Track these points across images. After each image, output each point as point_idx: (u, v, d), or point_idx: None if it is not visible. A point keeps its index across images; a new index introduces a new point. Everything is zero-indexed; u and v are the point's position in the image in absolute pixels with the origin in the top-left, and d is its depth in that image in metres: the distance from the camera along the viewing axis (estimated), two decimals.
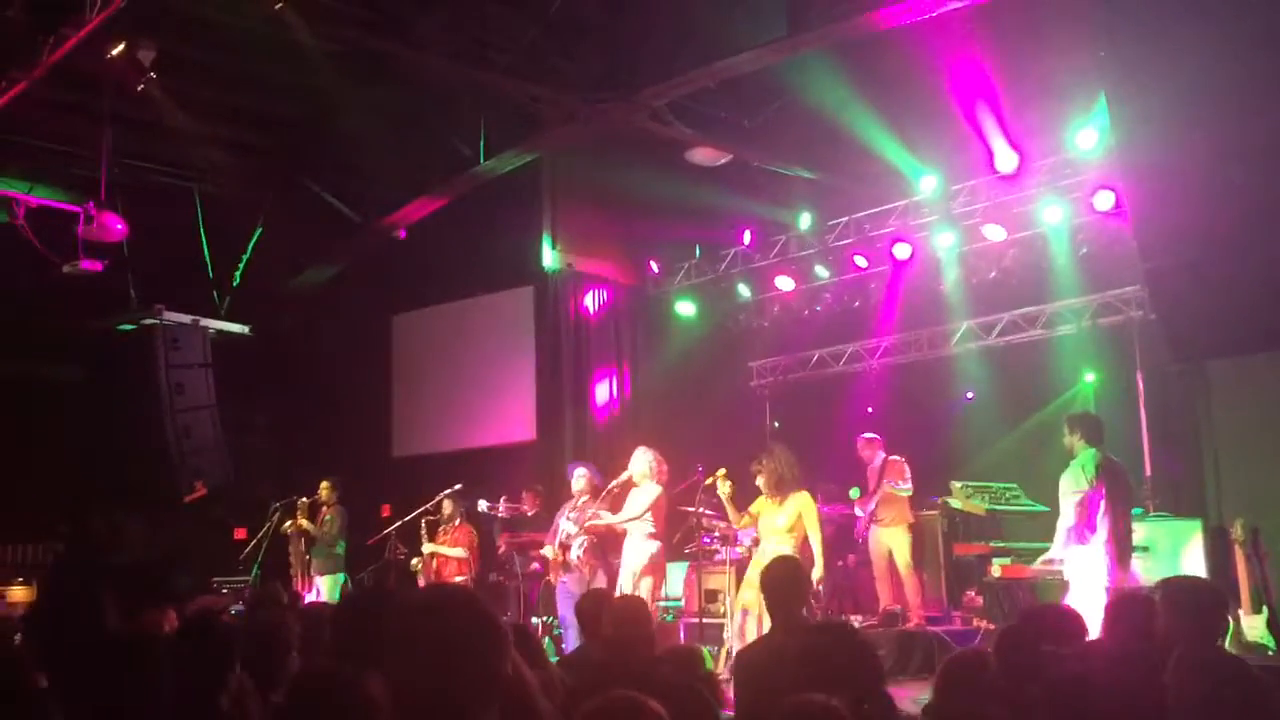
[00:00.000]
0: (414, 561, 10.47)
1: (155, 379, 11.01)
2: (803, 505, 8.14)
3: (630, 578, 8.50)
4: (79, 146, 10.75)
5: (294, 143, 11.88)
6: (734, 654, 7.77)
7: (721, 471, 8.76)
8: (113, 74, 8.92)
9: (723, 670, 7.44)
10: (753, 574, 8.15)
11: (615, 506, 8.94)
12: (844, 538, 10.51)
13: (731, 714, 4.41)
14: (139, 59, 8.67)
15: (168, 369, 11.02)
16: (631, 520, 8.64)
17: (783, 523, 8.10)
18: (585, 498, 9.24)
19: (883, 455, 10.24)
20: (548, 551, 9.36)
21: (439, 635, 2.26)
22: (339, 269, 13.15)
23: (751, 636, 7.72)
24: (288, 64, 10.09)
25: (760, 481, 8.34)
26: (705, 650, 4.82)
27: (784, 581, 4.93)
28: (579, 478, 9.36)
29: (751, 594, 8.02)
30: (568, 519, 9.21)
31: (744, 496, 8.72)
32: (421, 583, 10.38)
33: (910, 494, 10.12)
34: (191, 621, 4.08)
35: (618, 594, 8.41)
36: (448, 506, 10.45)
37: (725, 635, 8.75)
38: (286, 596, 8.56)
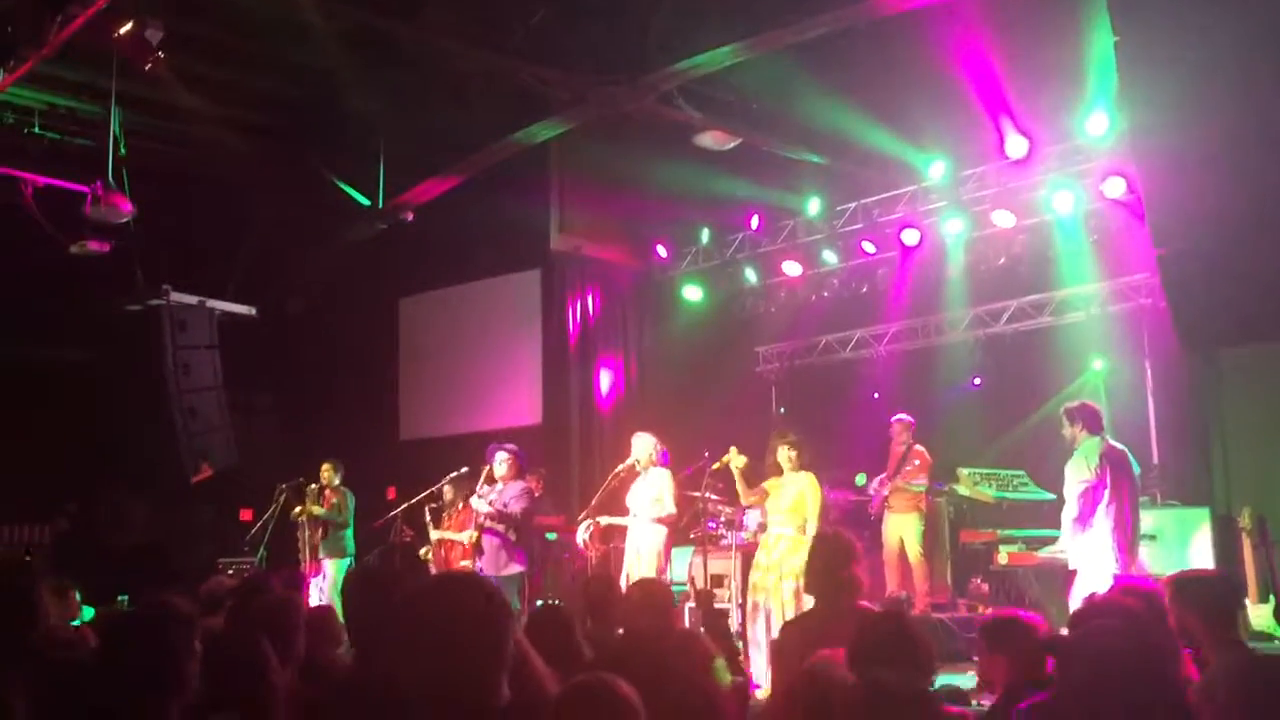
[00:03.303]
0: (424, 550, 10.37)
1: (161, 360, 11.01)
2: (805, 486, 8.09)
3: (636, 560, 8.47)
4: (86, 126, 10.73)
5: (302, 124, 11.84)
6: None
7: (733, 450, 8.73)
8: (121, 53, 8.88)
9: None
10: (761, 558, 8.11)
11: (621, 491, 8.91)
12: (850, 523, 10.48)
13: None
14: (147, 38, 8.61)
15: (174, 350, 11.01)
16: (666, 514, 8.58)
17: (786, 503, 8.05)
18: (503, 482, 9.13)
19: (909, 443, 10.21)
20: (464, 536, 9.24)
21: (447, 616, 2.32)
22: (346, 251, 13.12)
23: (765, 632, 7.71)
24: (296, 44, 10.06)
25: (785, 456, 8.22)
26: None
27: (829, 560, 4.92)
28: (501, 462, 9.12)
29: (764, 587, 7.98)
30: (479, 497, 9.05)
31: (756, 477, 8.68)
32: (434, 570, 10.34)
33: (924, 489, 10.11)
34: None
35: (624, 578, 8.43)
36: (449, 492, 10.37)
37: (730, 620, 8.73)
38: (282, 579, 8.50)
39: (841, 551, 4.92)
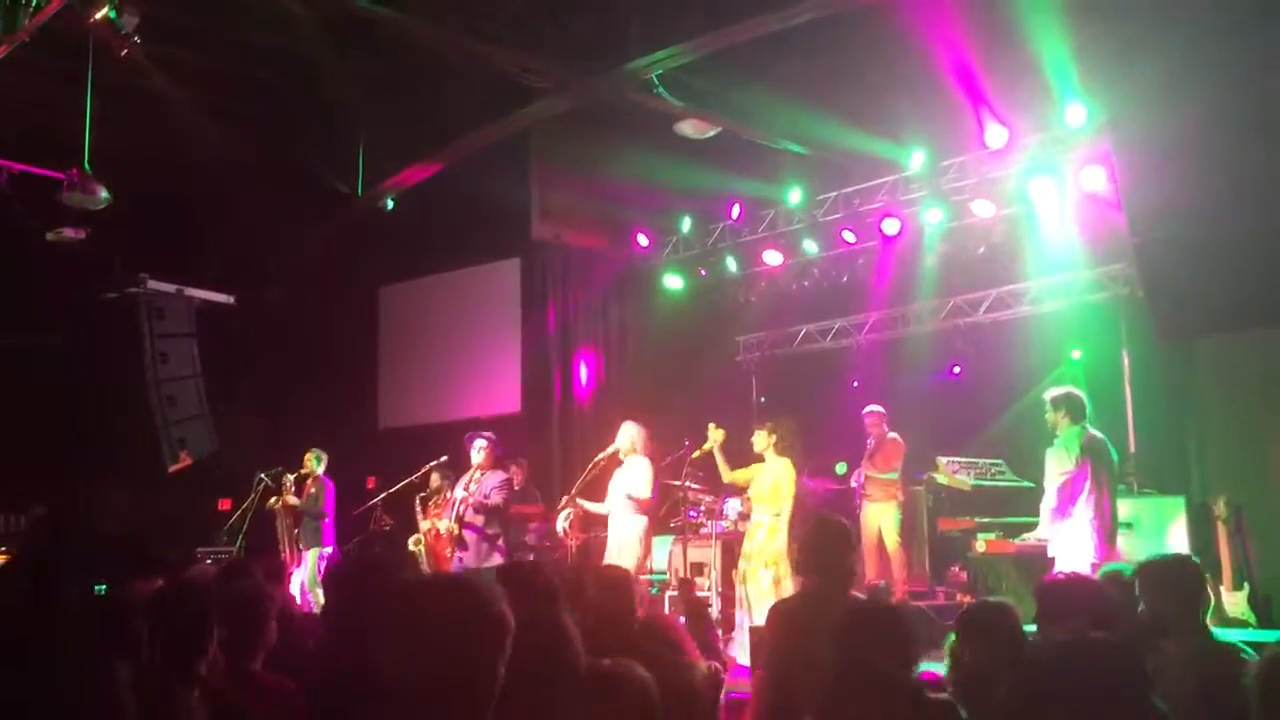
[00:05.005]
0: (413, 540, 10.28)
1: (140, 348, 10.96)
2: (781, 472, 8.15)
3: (616, 550, 8.49)
4: (63, 112, 10.64)
5: (281, 111, 11.78)
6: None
7: (711, 426, 8.76)
8: (97, 38, 8.81)
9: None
10: (746, 546, 8.16)
11: (603, 478, 8.92)
12: (830, 510, 10.52)
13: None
14: (124, 23, 8.55)
15: (152, 338, 10.97)
16: (640, 499, 8.61)
17: (764, 489, 8.11)
18: (481, 472, 9.15)
19: (881, 433, 10.25)
20: (442, 526, 9.24)
21: (438, 629, 2.28)
22: (326, 239, 13.07)
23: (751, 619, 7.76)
24: (275, 30, 10.00)
25: (764, 442, 8.26)
26: None
27: (827, 542, 4.84)
28: (479, 450, 9.12)
29: (751, 573, 8.04)
30: (463, 490, 9.07)
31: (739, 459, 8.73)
32: (424, 561, 10.27)
33: (896, 479, 10.15)
34: (169, 588, 4.05)
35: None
36: (435, 479, 10.34)
37: (710, 609, 8.75)
38: (263, 568, 8.48)
39: (841, 538, 4.81)
